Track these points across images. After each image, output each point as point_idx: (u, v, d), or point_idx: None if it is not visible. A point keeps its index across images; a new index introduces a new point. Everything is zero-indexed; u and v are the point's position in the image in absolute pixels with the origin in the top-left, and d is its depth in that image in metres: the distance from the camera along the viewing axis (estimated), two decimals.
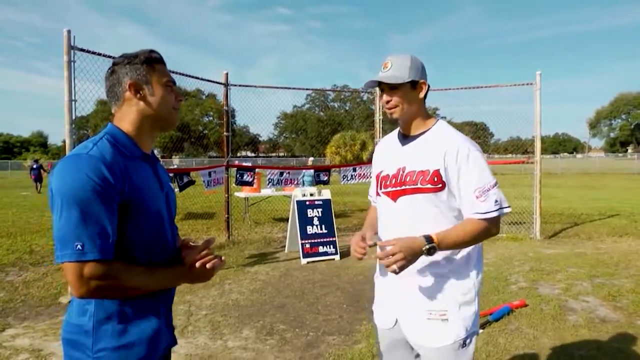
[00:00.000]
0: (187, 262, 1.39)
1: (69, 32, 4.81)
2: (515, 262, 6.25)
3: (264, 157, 49.55)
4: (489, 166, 1.67)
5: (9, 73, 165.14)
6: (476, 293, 1.71)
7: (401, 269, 1.53)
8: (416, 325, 1.69)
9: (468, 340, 1.68)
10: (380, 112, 8.75)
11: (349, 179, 7.88)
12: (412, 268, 1.67)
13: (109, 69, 1.40)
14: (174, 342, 1.50)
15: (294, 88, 8.66)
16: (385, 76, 1.68)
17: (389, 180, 1.76)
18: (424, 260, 1.65)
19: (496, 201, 1.62)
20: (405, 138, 1.78)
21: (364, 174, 8.00)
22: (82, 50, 4.92)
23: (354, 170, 7.95)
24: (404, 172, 1.71)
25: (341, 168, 8.21)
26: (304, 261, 6.28)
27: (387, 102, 1.72)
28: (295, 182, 7.48)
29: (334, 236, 6.63)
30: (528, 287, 5.05)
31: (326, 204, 6.79)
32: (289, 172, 7.58)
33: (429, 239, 1.57)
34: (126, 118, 1.37)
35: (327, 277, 5.59)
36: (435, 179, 1.64)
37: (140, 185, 1.31)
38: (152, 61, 1.39)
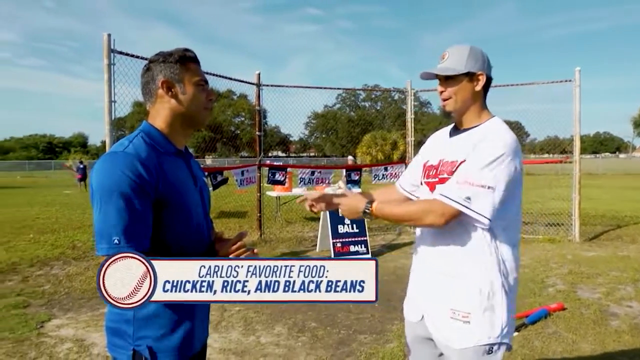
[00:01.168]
0: (221, 255, 1.42)
1: (109, 35, 5.00)
2: (552, 264, 6.07)
3: (295, 157, 49.84)
4: (502, 175, 1.50)
5: (51, 77, 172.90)
6: (505, 299, 1.60)
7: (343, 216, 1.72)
8: (440, 323, 1.66)
9: (495, 348, 1.60)
10: (412, 112, 8.67)
11: (380, 178, 7.84)
12: (441, 267, 1.66)
13: (145, 66, 1.44)
14: (206, 334, 1.55)
15: (324, 87, 8.71)
16: (440, 67, 1.64)
17: (431, 171, 1.74)
18: (450, 258, 1.63)
19: (468, 197, 1.49)
20: (456, 130, 1.73)
21: (395, 173, 7.94)
22: (121, 53, 5.11)
23: (385, 169, 7.91)
24: (442, 163, 1.69)
25: (372, 167, 8.17)
26: None
27: (441, 92, 1.67)
28: (327, 181, 7.51)
29: (366, 235, 6.61)
30: (566, 290, 4.89)
31: None
32: (320, 171, 7.62)
33: (368, 205, 1.68)
34: (159, 115, 1.41)
35: None
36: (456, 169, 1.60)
37: (174, 180, 1.35)
38: (185, 60, 1.42)
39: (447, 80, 1.64)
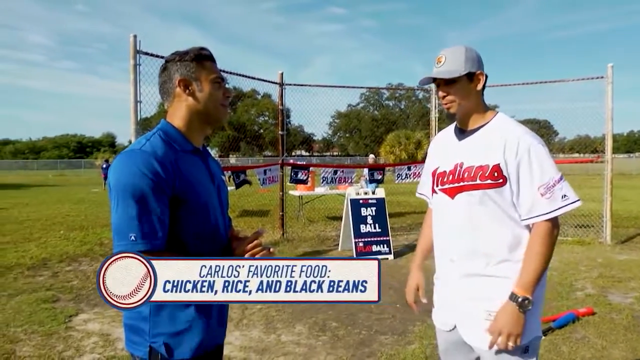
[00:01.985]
0: (237, 254, 1.42)
1: (134, 37, 5.09)
2: (581, 267, 5.89)
3: (318, 156, 49.94)
4: (553, 160, 1.57)
5: (82, 78, 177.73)
6: (541, 294, 1.62)
7: (516, 342, 1.52)
8: (475, 327, 1.62)
9: (531, 346, 1.60)
10: (437, 110, 8.56)
11: (403, 177, 7.76)
12: (474, 268, 1.62)
13: (162, 66, 1.46)
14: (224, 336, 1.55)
15: (348, 86, 8.73)
16: (440, 71, 1.63)
17: (446, 177, 1.69)
18: (486, 260, 1.60)
19: (564, 196, 1.52)
20: (462, 132, 1.71)
21: (418, 172, 7.84)
22: (146, 54, 5.20)
23: (409, 169, 7.82)
24: (461, 167, 1.64)
25: (395, 167, 8.10)
26: None
27: (443, 97, 1.66)
28: (350, 181, 7.48)
29: (388, 235, 6.56)
30: (596, 295, 4.73)
31: (380, 203, 6.73)
32: (342, 171, 7.59)
33: (513, 296, 1.52)
34: (177, 114, 1.43)
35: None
36: (496, 174, 1.56)
37: (190, 178, 1.36)
38: (201, 58, 1.43)
39: (448, 83, 1.63)
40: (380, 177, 7.61)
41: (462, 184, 1.63)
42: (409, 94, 50.38)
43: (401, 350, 3.45)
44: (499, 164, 1.56)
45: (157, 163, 1.28)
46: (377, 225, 6.56)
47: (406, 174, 7.75)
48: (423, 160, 9.22)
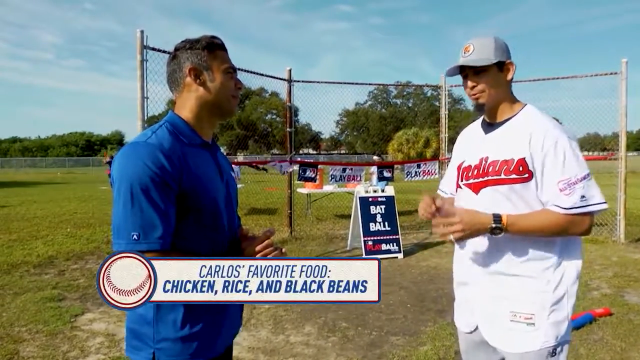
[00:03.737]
0: (247, 254, 1.34)
1: (142, 32, 5.03)
2: (595, 266, 5.76)
3: (325, 154, 49.84)
4: (582, 157, 1.50)
5: (90, 76, 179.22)
6: (569, 297, 1.54)
7: (458, 240, 1.49)
8: (499, 328, 1.57)
9: (559, 349, 1.53)
10: (446, 107, 8.43)
11: (412, 175, 7.66)
12: (497, 267, 1.56)
13: (171, 54, 1.38)
14: (235, 334, 1.47)
15: (356, 83, 8.57)
16: (470, 60, 1.57)
17: (471, 172, 1.63)
18: (509, 258, 1.54)
19: (583, 197, 1.45)
20: (489, 126, 1.65)
21: (428, 170, 7.74)
22: (153, 49, 5.13)
23: (418, 166, 7.72)
24: (486, 162, 1.58)
25: (405, 165, 8.00)
26: None
27: (472, 87, 1.59)
28: (358, 179, 7.39)
29: (398, 234, 6.46)
30: (613, 295, 4.61)
31: (389, 201, 6.63)
32: (351, 169, 7.50)
33: (497, 218, 1.46)
34: (186, 105, 1.35)
35: (390, 276, 5.44)
36: (521, 169, 1.49)
37: (198, 173, 1.28)
38: (213, 47, 1.35)
39: (477, 73, 1.57)
40: (389, 174, 7.51)
41: (486, 178, 1.57)
42: (417, 91, 50.15)
43: (413, 352, 3.36)
44: (524, 158, 1.50)
45: (163, 156, 1.20)
46: (386, 223, 6.46)
47: (416, 172, 7.65)
48: (433, 158, 9.11)
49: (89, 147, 77.54)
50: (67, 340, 3.57)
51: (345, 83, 8.31)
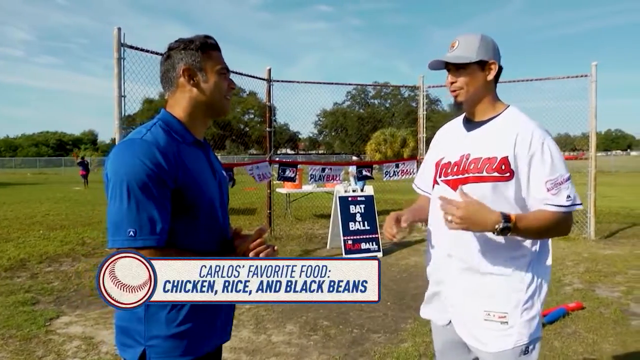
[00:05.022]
0: (240, 252, 1.35)
1: (119, 29, 4.94)
2: (568, 262, 5.94)
3: (303, 154, 49.80)
4: (563, 158, 1.53)
5: (63, 74, 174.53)
6: (544, 292, 1.57)
7: (452, 227, 1.43)
8: (472, 326, 1.57)
9: (531, 347, 1.54)
10: (424, 107, 8.55)
11: (391, 175, 7.73)
12: (472, 264, 1.56)
13: (165, 53, 1.38)
14: (228, 337, 1.47)
15: (334, 83, 8.62)
16: (451, 56, 1.57)
17: (450, 168, 1.62)
18: (484, 256, 1.54)
19: (568, 196, 1.48)
20: (470, 124, 1.64)
21: (406, 170, 7.83)
22: (131, 47, 5.05)
23: (397, 166, 7.80)
24: (467, 159, 1.57)
25: (383, 164, 8.08)
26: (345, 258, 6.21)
27: (452, 83, 1.59)
28: (338, 179, 7.42)
29: (377, 233, 6.52)
30: (584, 289, 4.76)
31: (369, 200, 6.68)
32: (330, 168, 7.52)
33: (506, 217, 1.41)
34: (179, 104, 1.36)
35: None
36: (503, 167, 1.50)
37: (193, 171, 1.29)
38: (207, 47, 1.36)
39: (458, 69, 1.57)
40: (368, 174, 7.57)
41: (466, 175, 1.56)
42: (395, 92, 50.61)
43: (394, 349, 3.40)
44: (507, 157, 1.50)
45: (159, 153, 1.20)
46: (366, 222, 6.51)
47: (394, 172, 7.72)
48: (411, 158, 9.21)
49: (61, 146, 75.46)
50: (42, 344, 3.48)
51: (323, 83, 8.36)
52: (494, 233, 1.43)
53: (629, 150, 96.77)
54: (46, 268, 5.82)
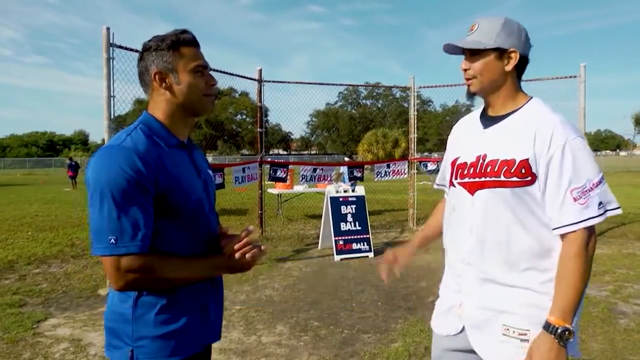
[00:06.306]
0: (227, 252, 1.34)
1: (108, 29, 4.89)
2: None
3: (296, 154, 49.75)
4: (593, 158, 1.34)
5: (53, 74, 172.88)
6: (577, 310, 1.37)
7: None
8: (490, 340, 1.42)
9: None
10: (415, 108, 8.57)
11: (382, 175, 7.76)
12: (492, 275, 1.42)
13: (139, 54, 1.34)
14: (217, 338, 1.46)
15: (326, 84, 8.61)
16: (467, 40, 1.40)
17: (467, 170, 1.47)
18: (502, 267, 1.40)
19: (600, 204, 1.29)
20: (489, 119, 1.47)
21: (398, 170, 7.86)
22: (120, 47, 5.00)
23: (388, 166, 7.82)
24: (484, 160, 1.41)
25: (375, 165, 8.09)
26: (337, 258, 6.21)
27: (465, 70, 1.43)
28: (329, 179, 7.42)
29: (368, 233, 6.53)
30: None
31: (360, 201, 6.69)
32: (322, 169, 7.53)
33: (551, 327, 1.26)
34: (157, 107, 1.33)
35: (361, 275, 5.50)
36: (523, 171, 1.33)
37: (175, 174, 1.27)
38: (178, 44, 1.30)
39: (473, 55, 1.41)
40: (359, 174, 7.58)
41: (483, 179, 1.41)
42: (387, 92, 50.73)
43: (384, 349, 3.40)
44: (527, 159, 1.33)
45: (138, 159, 1.18)
46: (357, 223, 6.52)
47: (385, 172, 7.75)
48: (403, 158, 9.24)
49: (51, 147, 74.75)
50: (30, 347, 3.44)
51: (315, 83, 8.35)
52: (562, 343, 1.27)
53: (618, 150, 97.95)
54: (34, 270, 5.76)
